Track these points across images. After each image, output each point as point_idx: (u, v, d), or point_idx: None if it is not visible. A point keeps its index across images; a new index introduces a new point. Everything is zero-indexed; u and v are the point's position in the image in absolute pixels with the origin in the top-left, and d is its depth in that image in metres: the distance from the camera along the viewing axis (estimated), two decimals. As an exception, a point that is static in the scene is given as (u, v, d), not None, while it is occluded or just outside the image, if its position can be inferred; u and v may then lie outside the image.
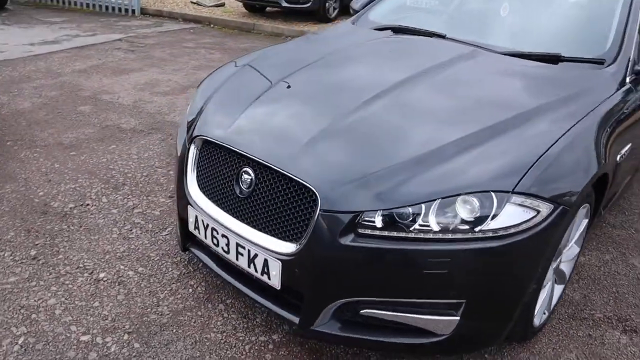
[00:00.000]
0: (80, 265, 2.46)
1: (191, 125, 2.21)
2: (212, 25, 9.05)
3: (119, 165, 3.51)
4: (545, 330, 2.29)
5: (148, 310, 2.20)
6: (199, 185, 2.09)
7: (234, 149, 1.93)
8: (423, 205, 1.67)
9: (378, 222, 1.68)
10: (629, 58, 2.52)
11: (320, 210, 1.69)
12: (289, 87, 2.23)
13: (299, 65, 2.42)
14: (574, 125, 1.98)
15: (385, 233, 1.67)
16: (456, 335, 1.77)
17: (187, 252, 2.48)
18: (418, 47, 2.66)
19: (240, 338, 2.09)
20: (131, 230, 2.77)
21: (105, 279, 2.38)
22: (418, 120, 1.96)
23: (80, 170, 3.39)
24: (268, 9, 9.95)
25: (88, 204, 3.00)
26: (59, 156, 3.57)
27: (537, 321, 2.11)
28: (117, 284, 2.34)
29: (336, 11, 9.53)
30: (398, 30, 2.93)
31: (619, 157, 2.33)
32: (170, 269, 2.47)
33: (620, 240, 3.18)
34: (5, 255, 2.51)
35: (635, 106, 2.47)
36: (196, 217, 2.06)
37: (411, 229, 1.67)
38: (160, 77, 5.66)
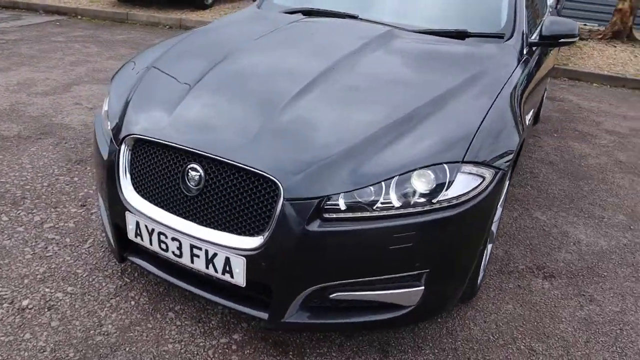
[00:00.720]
0: (-4, 294, 2.18)
1: (116, 124, 2.03)
2: (79, 17, 8.34)
3: (12, 177, 3.13)
4: (482, 287, 2.47)
5: (91, 332, 2.01)
6: (136, 188, 1.94)
7: (175, 145, 1.81)
8: (383, 184, 1.71)
9: (342, 204, 1.69)
10: (523, 32, 2.76)
11: (283, 199, 1.65)
12: (221, 77, 2.13)
13: (222, 54, 2.32)
14: (497, 97, 2.13)
15: (350, 215, 1.69)
16: (422, 304, 1.85)
17: (122, 263, 2.30)
18: (335, 30, 2.67)
19: (201, 344, 1.99)
20: (46, 247, 2.50)
21: (30, 306, 2.12)
22: (359, 104, 1.98)
23: (-36, 188, 2.98)
24: (138, -3, 9.38)
25: (-15, 225, 2.65)
26: None
27: (479, 279, 2.27)
28: (46, 310, 2.11)
29: (213, -3, 9.26)
30: (309, 12, 2.93)
31: (527, 122, 2.55)
32: (104, 284, 2.27)
33: (521, 197, 3.51)
34: None
35: (530, 76, 2.72)
36: (137, 223, 1.91)
37: (374, 207, 1.70)
38: (34, 75, 5.11)
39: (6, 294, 2.18)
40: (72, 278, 2.30)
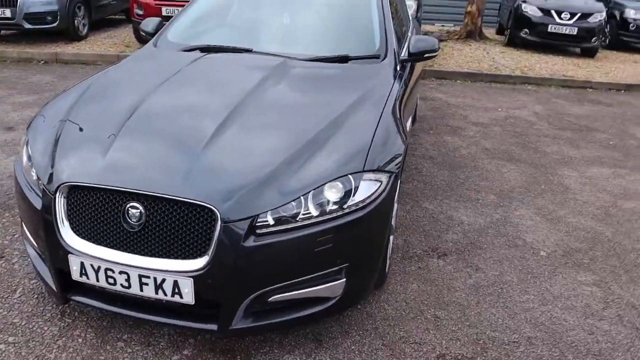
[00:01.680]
0: None
1: (46, 175, 2.15)
2: (-63, 59, 7.75)
3: None
4: (390, 274, 2.88)
5: (44, 373, 2.12)
6: (76, 232, 2.08)
7: (113, 187, 1.99)
8: (302, 198, 2.03)
9: (270, 220, 1.99)
10: (394, 50, 3.24)
11: (221, 222, 1.92)
12: (144, 122, 2.33)
13: (137, 99, 2.50)
14: (382, 112, 2.55)
15: (279, 227, 1.99)
16: (345, 294, 2.20)
17: (65, 304, 2.40)
18: (235, 65, 2.96)
19: (155, 364, 2.18)
20: (-26, 303, 2.51)
21: (-27, 360, 2.17)
22: (272, 133, 2.30)
23: None
24: (3, 32, 8.89)
25: None
26: None
27: (386, 267, 2.68)
28: (-8, 361, 2.17)
29: (86, 28, 9.04)
30: (206, 49, 3.18)
31: (408, 127, 3.02)
32: (46, 328, 2.36)
33: (411, 192, 4.02)
34: None
35: (405, 88, 3.20)
36: (82, 263, 2.06)
37: (297, 219, 2.02)
38: None
39: (-55, 355, 2.20)
40: (10, 328, 2.35)
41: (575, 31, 9.98)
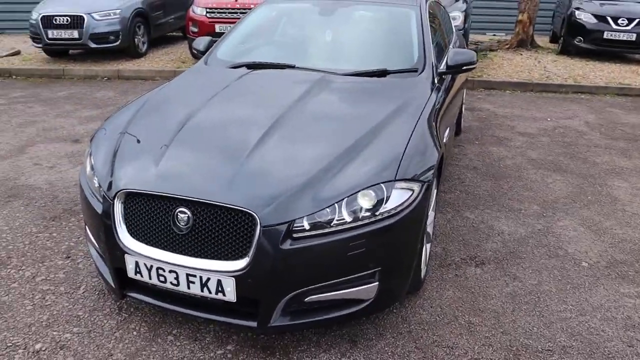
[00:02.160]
0: (9, 344, 2.45)
1: (106, 183, 2.39)
2: (14, 77, 8.43)
3: (-7, 240, 3.37)
4: (427, 280, 2.96)
5: (103, 361, 2.34)
6: (132, 234, 2.30)
7: (165, 194, 2.20)
8: (336, 205, 2.17)
9: (306, 225, 2.13)
10: (432, 64, 3.34)
11: (260, 226, 2.08)
12: (193, 133, 2.54)
13: (188, 113, 2.72)
14: (416, 123, 2.66)
15: (314, 232, 2.13)
16: (378, 297, 2.31)
17: (123, 300, 2.64)
18: (279, 80, 3.16)
19: (201, 357, 2.36)
20: (44, 297, 2.78)
21: (43, 348, 2.42)
22: (311, 142, 2.46)
23: (-51, 256, 3.20)
24: (71, 51, 9.55)
25: (-20, 286, 2.90)
26: None
27: (422, 273, 2.76)
28: (59, 349, 2.41)
29: (146, 45, 9.57)
30: (252, 66, 3.39)
31: (444, 139, 3.10)
32: (105, 321, 2.59)
33: (452, 201, 4.07)
34: None
35: (443, 100, 3.29)
36: (136, 262, 2.27)
37: (331, 224, 2.15)
38: (-15, 141, 5.28)
39: (18, 341, 2.46)
40: (75, 320, 2.60)
41: (634, 37, 9.66)
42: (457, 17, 7.99)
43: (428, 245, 2.99)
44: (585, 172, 4.78)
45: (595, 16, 9.91)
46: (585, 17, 9.99)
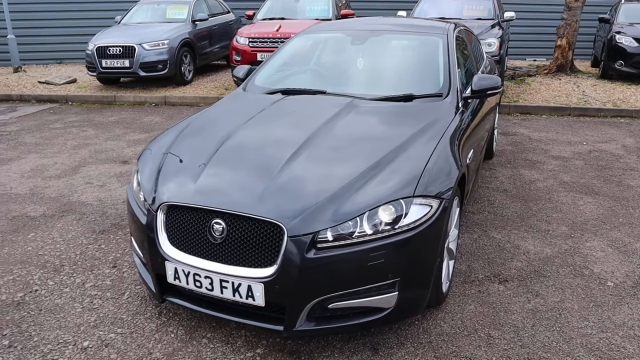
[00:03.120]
0: (60, 340, 2.71)
1: (151, 197, 2.64)
2: (70, 103, 9.04)
3: (48, 250, 3.69)
4: (449, 295, 3.07)
5: (144, 359, 2.55)
6: (172, 243, 2.54)
7: (202, 207, 2.43)
8: (358, 218, 2.34)
9: (329, 236, 2.31)
10: (457, 89, 3.50)
11: (287, 237, 2.28)
12: (229, 153, 2.78)
13: (226, 134, 2.98)
14: (437, 144, 2.82)
15: (336, 243, 2.31)
16: (397, 306, 2.45)
17: (162, 303, 2.86)
18: (311, 104, 3.38)
19: (232, 359, 2.55)
20: (92, 301, 3.04)
21: (90, 346, 2.66)
22: (336, 161, 2.65)
23: (10, 263, 3.52)
24: (122, 79, 10.15)
25: (36, 290, 3.19)
26: (-21, 255, 3.64)
27: (444, 288, 2.88)
28: (104, 347, 2.65)
29: (191, 73, 10.07)
30: (287, 92, 3.64)
31: (467, 160, 3.23)
32: (146, 324, 2.82)
33: (480, 221, 4.16)
34: (-21, 352, 2.66)
35: (468, 123, 3.43)
36: (175, 269, 2.50)
37: (353, 236, 2.32)
38: (43, 161, 5.72)
39: (69, 339, 2.72)
40: (119, 322, 2.84)
41: (676, 61, 9.50)
42: (492, 43, 8.10)
43: (451, 262, 3.11)
44: (619, 195, 4.77)
45: (637, 40, 9.81)
46: (626, 41, 9.91)
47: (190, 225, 2.48)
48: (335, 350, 2.61)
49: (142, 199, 2.73)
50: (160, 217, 2.56)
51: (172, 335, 2.73)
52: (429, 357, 2.57)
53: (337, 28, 4.37)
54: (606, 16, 11.12)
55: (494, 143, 5.77)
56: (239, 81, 4.14)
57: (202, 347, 2.63)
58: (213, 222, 2.41)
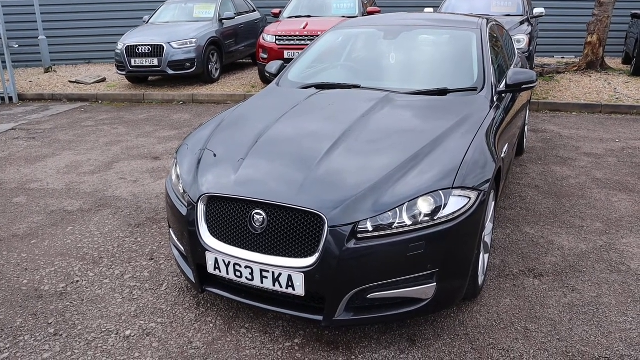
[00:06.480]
0: (104, 329, 2.78)
1: (191, 189, 2.69)
2: (100, 102, 9.22)
3: (87, 243, 3.78)
4: (484, 289, 3.06)
5: (184, 347, 2.61)
6: (212, 233, 2.58)
7: (243, 197, 2.47)
8: (397, 209, 2.36)
9: (369, 227, 2.33)
10: (492, 83, 3.48)
11: (328, 227, 2.30)
12: (268, 145, 2.82)
13: (264, 127, 3.02)
14: (474, 137, 2.81)
15: (376, 234, 2.33)
16: (435, 297, 2.45)
17: (202, 293, 2.92)
18: (346, 98, 3.41)
19: (271, 348, 2.59)
20: (132, 292, 3.12)
21: (132, 335, 2.73)
22: (375, 153, 2.67)
23: (51, 255, 3.62)
24: (151, 77, 10.31)
25: (78, 281, 3.27)
26: (21, 247, 3.75)
27: (480, 282, 2.87)
28: (146, 336, 2.71)
29: (218, 71, 10.18)
30: (321, 86, 3.67)
31: (503, 154, 3.22)
32: (186, 314, 2.88)
33: (512, 217, 4.13)
34: (26, 338, 2.75)
35: (502, 117, 3.41)
36: (215, 259, 2.54)
37: (393, 227, 2.34)
38: (77, 158, 5.86)
39: (112, 328, 2.79)
40: (159, 312, 2.91)
41: None
42: (521, 40, 8.02)
43: (486, 256, 3.10)
44: (654, 192, 4.68)
45: (669, 36, 9.60)
46: (658, 37, 9.70)
47: (231, 216, 2.52)
48: (372, 341, 2.63)
49: (182, 191, 2.78)
50: (201, 208, 2.61)
51: (212, 325, 2.78)
52: (467, 348, 2.57)
53: (369, 23, 4.39)
54: (639, 12, 10.91)
55: (525, 140, 5.71)
56: (271, 77, 4.18)
57: (240, 337, 2.68)
58: (254, 212, 2.45)
